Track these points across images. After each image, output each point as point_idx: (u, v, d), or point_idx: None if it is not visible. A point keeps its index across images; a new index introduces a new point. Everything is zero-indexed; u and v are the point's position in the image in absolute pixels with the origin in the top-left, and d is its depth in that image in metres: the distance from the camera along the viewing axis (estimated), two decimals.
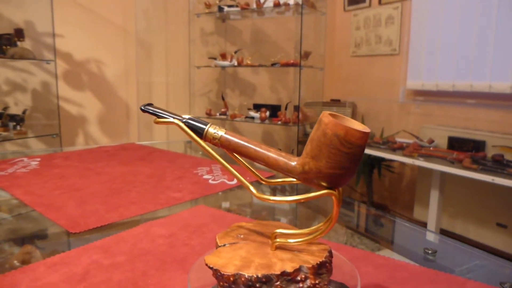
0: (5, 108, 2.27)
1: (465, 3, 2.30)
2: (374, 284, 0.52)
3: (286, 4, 2.65)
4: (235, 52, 2.96)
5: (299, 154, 0.41)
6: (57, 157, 1.35)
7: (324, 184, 0.39)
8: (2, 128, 2.17)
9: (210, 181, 1.06)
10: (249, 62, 2.90)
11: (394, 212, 2.98)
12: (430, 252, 0.62)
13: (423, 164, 2.06)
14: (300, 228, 0.44)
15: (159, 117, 0.45)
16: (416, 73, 2.67)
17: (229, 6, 2.91)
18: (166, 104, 3.08)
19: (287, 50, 3.06)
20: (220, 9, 2.91)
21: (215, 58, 3.00)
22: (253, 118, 2.85)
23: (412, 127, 2.62)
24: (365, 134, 0.37)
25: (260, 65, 2.88)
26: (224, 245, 0.45)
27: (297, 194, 0.39)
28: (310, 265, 0.38)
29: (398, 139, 2.52)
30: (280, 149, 0.42)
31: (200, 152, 1.51)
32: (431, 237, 0.73)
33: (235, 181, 1.05)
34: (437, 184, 2.16)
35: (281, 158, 0.41)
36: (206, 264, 0.40)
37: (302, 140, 2.78)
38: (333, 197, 0.39)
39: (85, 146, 2.53)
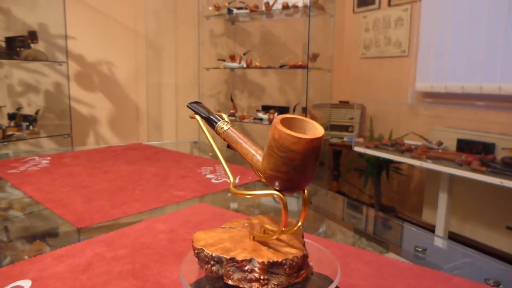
0: (19, 109, 2.34)
1: (475, 4, 2.29)
2: (361, 278, 0.53)
3: (295, 6, 2.67)
4: (244, 54, 2.99)
5: None
6: (66, 156, 1.40)
7: (275, 186, 0.40)
8: (15, 128, 2.24)
9: (213, 180, 1.08)
10: (257, 64, 2.92)
11: (403, 215, 2.96)
12: (420, 250, 0.63)
13: (432, 167, 2.05)
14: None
15: (195, 113, 0.52)
16: (425, 75, 2.65)
17: (238, 8, 2.94)
18: (175, 105, 3.13)
19: (295, 52, 3.08)
20: (229, 11, 2.94)
21: (224, 60, 3.03)
22: (261, 119, 2.87)
23: (420, 129, 2.61)
24: (300, 140, 0.36)
25: (268, 67, 2.90)
26: (224, 227, 0.49)
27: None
28: (261, 261, 0.40)
29: (407, 141, 2.51)
30: None
31: (210, 153, 1.54)
32: (426, 236, 0.74)
33: (237, 181, 1.07)
34: (445, 186, 2.15)
35: (256, 156, 0.43)
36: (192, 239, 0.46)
37: None
38: (279, 199, 0.40)
39: (96, 146, 2.58)
